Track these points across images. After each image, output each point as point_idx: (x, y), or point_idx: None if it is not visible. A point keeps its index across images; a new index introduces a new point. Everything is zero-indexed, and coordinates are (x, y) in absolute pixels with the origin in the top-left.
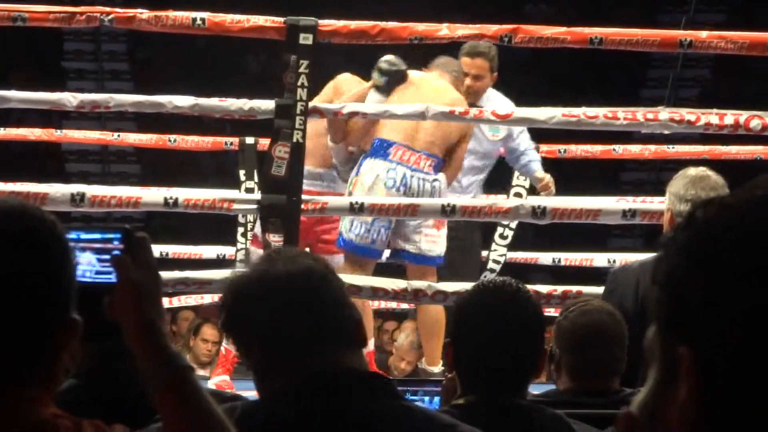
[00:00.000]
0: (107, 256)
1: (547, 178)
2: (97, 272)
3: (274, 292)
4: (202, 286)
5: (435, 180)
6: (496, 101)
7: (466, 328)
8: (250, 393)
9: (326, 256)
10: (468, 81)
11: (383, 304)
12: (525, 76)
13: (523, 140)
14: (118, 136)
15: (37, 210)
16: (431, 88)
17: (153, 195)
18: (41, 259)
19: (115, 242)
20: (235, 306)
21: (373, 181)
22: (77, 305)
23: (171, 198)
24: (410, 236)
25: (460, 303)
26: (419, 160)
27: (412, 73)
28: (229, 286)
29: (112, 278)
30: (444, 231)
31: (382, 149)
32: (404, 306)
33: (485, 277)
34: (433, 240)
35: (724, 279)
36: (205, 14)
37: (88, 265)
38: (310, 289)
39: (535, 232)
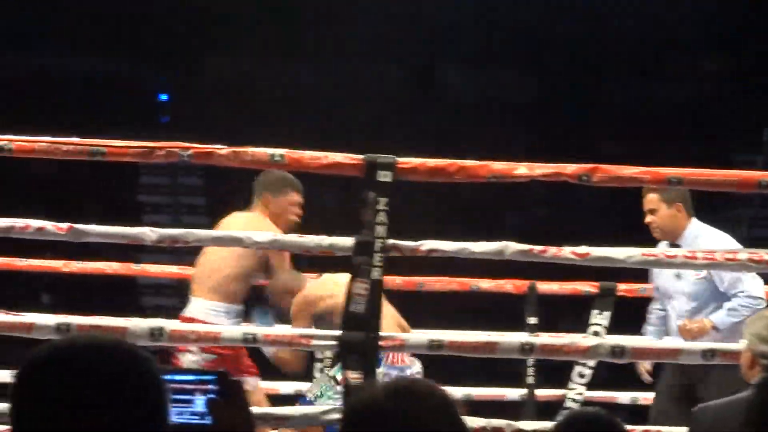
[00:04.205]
0: (203, 399)
1: (695, 327)
2: (192, 414)
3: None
4: None
5: (415, 366)
6: (704, 238)
7: None
8: None
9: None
10: (648, 218)
11: None
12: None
13: (731, 282)
14: None
15: (132, 347)
16: None
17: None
18: (136, 397)
19: (210, 385)
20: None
21: None
22: None
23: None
24: None
25: None
26: (398, 357)
27: None
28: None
29: (207, 421)
30: None
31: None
32: None
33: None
34: None
35: None
36: (284, 150)
37: (185, 406)
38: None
39: (613, 370)
